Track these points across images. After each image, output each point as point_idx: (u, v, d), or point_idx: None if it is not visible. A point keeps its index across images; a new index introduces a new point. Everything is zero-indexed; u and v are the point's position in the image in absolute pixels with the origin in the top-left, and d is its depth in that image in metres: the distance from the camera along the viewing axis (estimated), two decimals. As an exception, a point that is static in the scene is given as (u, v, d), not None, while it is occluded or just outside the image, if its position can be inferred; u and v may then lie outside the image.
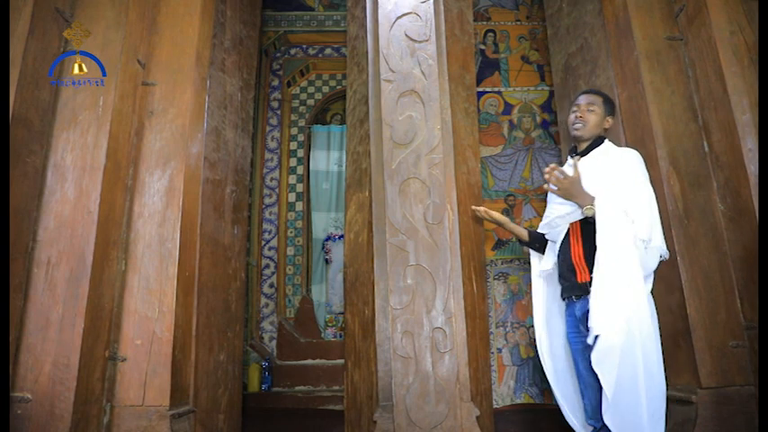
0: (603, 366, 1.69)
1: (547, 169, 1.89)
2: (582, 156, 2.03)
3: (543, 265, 2.15)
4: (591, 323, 1.72)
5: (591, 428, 1.94)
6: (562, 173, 1.86)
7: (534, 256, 2.26)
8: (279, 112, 4.79)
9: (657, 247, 1.83)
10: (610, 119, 2.06)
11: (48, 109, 1.99)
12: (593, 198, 1.83)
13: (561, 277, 2.01)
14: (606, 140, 2.05)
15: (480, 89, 4.14)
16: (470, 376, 1.98)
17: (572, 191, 1.86)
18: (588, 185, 1.87)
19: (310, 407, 3.88)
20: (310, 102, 4.89)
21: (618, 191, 1.85)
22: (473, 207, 2.45)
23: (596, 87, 2.66)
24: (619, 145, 2.15)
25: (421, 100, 2.02)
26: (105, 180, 1.98)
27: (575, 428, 2.05)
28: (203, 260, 2.35)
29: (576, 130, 2.04)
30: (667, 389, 2.14)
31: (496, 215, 2.34)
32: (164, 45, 2.38)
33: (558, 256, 2.02)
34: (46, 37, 1.98)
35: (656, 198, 1.93)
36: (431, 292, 1.85)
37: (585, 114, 2.02)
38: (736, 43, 2.16)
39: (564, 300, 2.03)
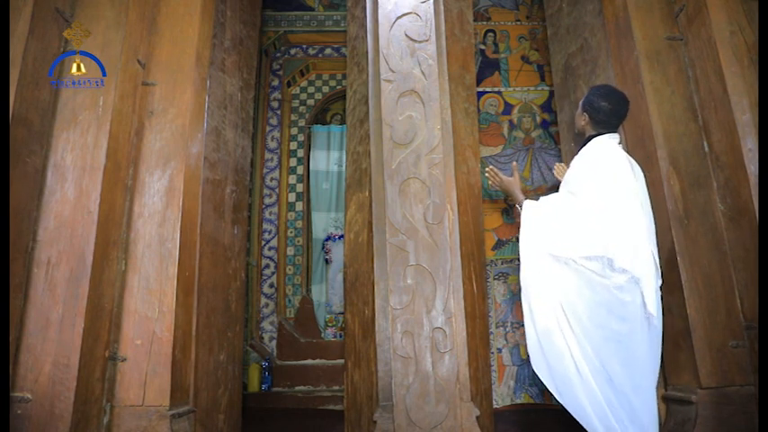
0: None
1: (488, 169, 2.26)
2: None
3: None
4: None
5: None
6: (496, 173, 2.22)
7: None
8: (279, 112, 4.79)
9: (560, 255, 1.91)
10: (584, 115, 2.10)
11: (48, 109, 1.99)
12: (522, 200, 2.11)
13: None
14: (593, 140, 2.06)
15: (480, 89, 4.14)
16: (470, 376, 1.98)
17: (504, 189, 2.23)
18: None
19: (310, 407, 3.88)
20: (310, 102, 4.89)
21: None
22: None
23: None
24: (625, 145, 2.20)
25: (421, 100, 2.02)
26: (105, 180, 1.98)
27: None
28: (203, 260, 2.35)
29: None
30: (667, 389, 2.15)
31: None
32: (164, 45, 2.38)
33: None
34: (46, 37, 1.98)
35: (652, 200, 1.99)
36: (431, 292, 1.84)
37: None
38: (736, 43, 2.15)
39: None
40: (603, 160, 1.96)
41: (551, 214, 1.98)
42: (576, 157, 2.09)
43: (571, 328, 1.84)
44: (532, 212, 2.02)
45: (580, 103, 2.15)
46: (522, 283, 1.97)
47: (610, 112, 2.03)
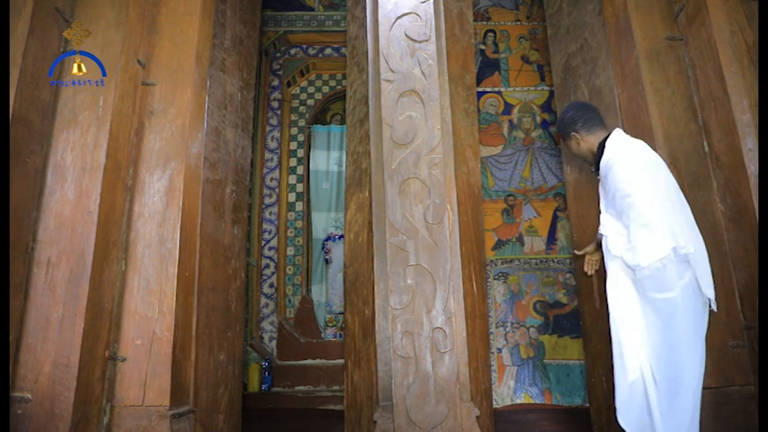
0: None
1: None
2: (596, 173, 2.08)
3: None
4: None
5: None
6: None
7: None
8: (279, 112, 4.79)
9: (643, 266, 1.78)
10: (574, 136, 2.09)
11: (48, 109, 1.99)
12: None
13: None
14: (607, 145, 1.99)
15: (480, 89, 4.15)
16: (470, 376, 1.98)
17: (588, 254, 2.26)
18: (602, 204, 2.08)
19: (310, 407, 3.88)
20: (310, 102, 4.89)
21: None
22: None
23: (596, 88, 2.68)
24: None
25: (421, 100, 2.02)
26: (105, 180, 1.98)
27: None
28: (203, 260, 2.35)
29: None
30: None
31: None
32: (164, 45, 2.38)
33: None
34: (46, 37, 1.98)
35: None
36: (431, 292, 1.85)
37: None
38: (736, 43, 2.15)
39: None
40: (633, 153, 1.91)
41: (620, 233, 1.90)
42: (604, 168, 1.98)
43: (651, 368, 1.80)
44: (605, 246, 1.97)
45: (561, 140, 2.18)
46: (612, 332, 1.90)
47: (580, 112, 2.08)
